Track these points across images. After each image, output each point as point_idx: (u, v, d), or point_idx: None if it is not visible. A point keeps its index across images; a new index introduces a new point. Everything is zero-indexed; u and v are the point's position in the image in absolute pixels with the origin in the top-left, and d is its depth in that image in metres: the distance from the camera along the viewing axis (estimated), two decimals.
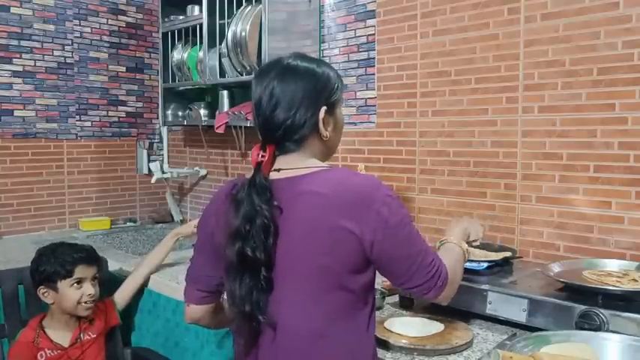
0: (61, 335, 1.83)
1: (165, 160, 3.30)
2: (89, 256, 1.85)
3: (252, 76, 1.20)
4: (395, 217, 1.07)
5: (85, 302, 1.81)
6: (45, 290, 1.81)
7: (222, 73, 2.54)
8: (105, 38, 3.09)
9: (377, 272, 1.14)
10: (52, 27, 2.89)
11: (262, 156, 1.10)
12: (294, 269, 1.08)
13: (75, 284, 1.79)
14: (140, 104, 3.26)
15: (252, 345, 1.14)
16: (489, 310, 1.44)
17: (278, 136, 1.11)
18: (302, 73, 1.13)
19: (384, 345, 1.35)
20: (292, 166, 1.12)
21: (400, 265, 1.10)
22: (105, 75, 3.10)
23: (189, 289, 1.25)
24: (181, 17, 2.85)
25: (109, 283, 2.10)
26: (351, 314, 1.11)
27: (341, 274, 1.07)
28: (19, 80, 2.80)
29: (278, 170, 1.11)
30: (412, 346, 1.31)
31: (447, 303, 1.23)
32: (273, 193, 1.08)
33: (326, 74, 1.16)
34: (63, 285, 1.79)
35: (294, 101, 1.10)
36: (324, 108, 1.13)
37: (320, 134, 1.14)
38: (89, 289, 1.82)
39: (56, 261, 1.80)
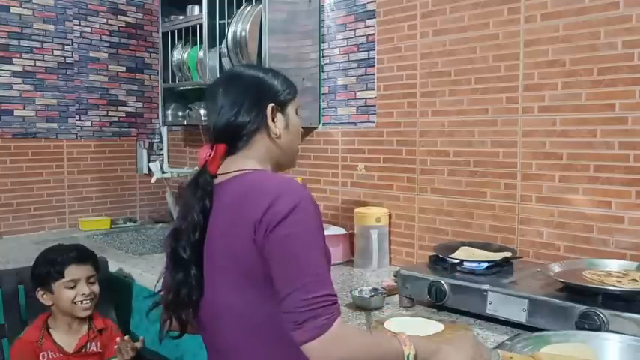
0: (65, 338, 1.81)
1: (165, 160, 3.30)
2: (80, 255, 1.83)
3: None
4: (286, 228, 0.98)
5: (81, 302, 1.79)
6: (42, 292, 1.81)
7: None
8: (105, 38, 3.10)
9: None
10: (52, 27, 2.89)
11: (209, 154, 1.11)
12: (214, 269, 1.10)
13: (70, 284, 1.78)
14: (140, 104, 3.26)
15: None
16: (489, 310, 1.44)
17: (226, 135, 1.12)
18: (245, 77, 1.16)
19: None
20: (229, 169, 1.12)
21: (276, 283, 0.99)
22: (105, 75, 3.11)
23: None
24: (181, 17, 2.85)
25: (109, 283, 2.10)
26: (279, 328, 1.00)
27: (255, 280, 1.03)
28: (19, 80, 2.80)
29: (215, 176, 1.11)
30: None
31: None
32: (212, 195, 1.10)
33: (270, 78, 1.17)
34: (57, 286, 1.79)
35: (236, 101, 1.12)
36: (271, 104, 1.14)
37: (269, 131, 1.14)
38: (83, 288, 1.80)
39: (48, 263, 1.79)
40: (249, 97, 1.13)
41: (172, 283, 1.11)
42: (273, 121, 1.14)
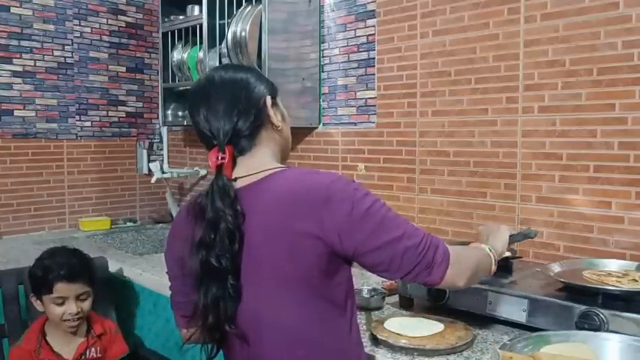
0: (63, 345, 1.79)
1: (165, 160, 3.30)
2: (70, 273, 1.73)
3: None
4: (359, 208, 1.02)
5: (68, 320, 1.74)
6: (35, 299, 1.78)
7: None
8: (105, 38, 3.10)
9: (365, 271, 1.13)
10: (52, 27, 2.89)
11: (222, 158, 1.08)
12: (260, 277, 1.06)
13: (57, 301, 1.73)
14: (140, 104, 3.26)
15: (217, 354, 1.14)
16: (489, 310, 1.44)
17: (231, 137, 1.10)
18: (232, 78, 1.15)
19: (384, 345, 1.35)
20: (248, 172, 1.10)
21: (382, 255, 1.04)
22: (105, 75, 3.10)
23: (175, 316, 1.23)
24: (181, 17, 2.85)
25: (109, 283, 2.10)
26: (329, 320, 1.09)
27: (308, 279, 1.04)
28: (19, 80, 2.80)
29: (235, 180, 1.09)
30: (412, 346, 1.31)
31: (463, 284, 1.11)
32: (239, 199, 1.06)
33: (255, 75, 1.18)
34: (46, 300, 1.74)
35: (234, 102, 1.11)
36: (268, 97, 1.15)
37: (272, 124, 1.15)
38: (71, 307, 1.73)
39: (41, 273, 1.73)
40: (244, 95, 1.13)
41: (207, 301, 1.05)
42: (274, 113, 1.16)
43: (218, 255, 1.03)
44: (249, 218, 1.06)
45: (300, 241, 1.02)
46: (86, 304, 1.78)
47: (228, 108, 1.11)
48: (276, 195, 1.06)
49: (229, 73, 1.17)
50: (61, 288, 1.72)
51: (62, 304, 1.73)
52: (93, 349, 1.82)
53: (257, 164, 1.12)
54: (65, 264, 1.74)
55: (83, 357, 1.80)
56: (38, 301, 1.77)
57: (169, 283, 1.23)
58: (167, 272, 1.22)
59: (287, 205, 1.04)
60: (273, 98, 1.18)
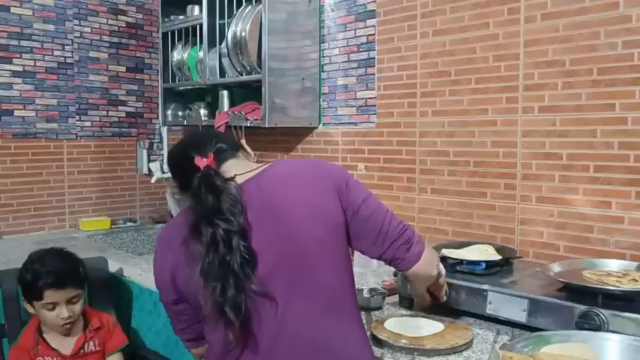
0: (61, 342, 1.79)
1: (165, 160, 3.29)
2: (57, 280, 1.71)
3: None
4: (352, 180, 1.21)
5: (61, 326, 1.74)
6: (26, 303, 1.77)
7: (222, 73, 2.54)
8: (105, 38, 3.09)
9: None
10: (52, 27, 2.89)
11: (209, 160, 1.16)
12: (285, 256, 1.10)
13: (48, 306, 1.72)
14: (140, 104, 3.26)
15: (238, 335, 1.09)
16: (489, 310, 1.44)
17: (214, 151, 1.19)
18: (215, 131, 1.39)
19: (385, 345, 1.35)
20: (243, 170, 1.18)
21: (369, 225, 1.18)
22: (105, 75, 3.10)
23: (182, 341, 1.26)
24: (181, 17, 2.85)
25: (109, 283, 2.10)
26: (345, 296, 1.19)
27: (332, 252, 1.14)
28: (19, 80, 2.80)
29: (233, 177, 1.15)
30: (412, 346, 1.31)
31: (435, 273, 1.31)
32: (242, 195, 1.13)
33: None
34: (37, 305, 1.74)
35: (219, 136, 1.28)
36: (243, 140, 1.33)
37: (247, 152, 1.28)
38: (63, 312, 1.72)
39: (30, 278, 1.71)
40: (223, 134, 1.37)
41: (218, 264, 1.04)
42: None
43: (224, 219, 1.06)
44: (255, 203, 1.12)
45: (325, 208, 1.14)
46: (77, 307, 1.77)
47: (216, 139, 1.24)
48: (297, 175, 1.19)
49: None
50: (50, 295, 1.71)
51: (53, 309, 1.73)
52: (91, 343, 1.82)
53: (245, 166, 1.21)
54: (52, 271, 1.72)
55: (82, 351, 1.80)
56: (29, 305, 1.77)
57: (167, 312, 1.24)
58: (162, 300, 1.22)
59: (311, 183, 1.16)
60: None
